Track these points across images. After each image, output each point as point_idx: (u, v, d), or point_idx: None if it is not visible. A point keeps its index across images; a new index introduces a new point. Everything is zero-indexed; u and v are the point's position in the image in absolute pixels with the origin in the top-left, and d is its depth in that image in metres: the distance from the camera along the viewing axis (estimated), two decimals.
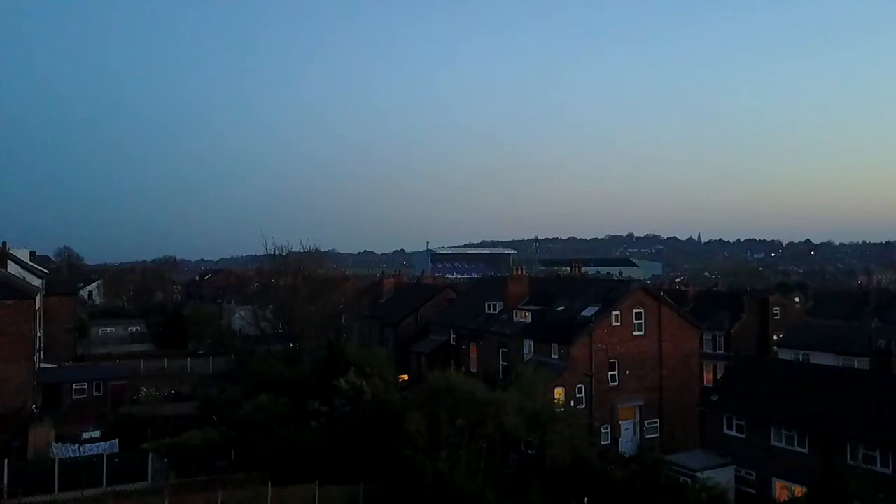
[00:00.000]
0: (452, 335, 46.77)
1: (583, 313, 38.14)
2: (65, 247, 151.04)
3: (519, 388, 30.22)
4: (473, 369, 44.35)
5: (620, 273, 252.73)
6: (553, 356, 37.22)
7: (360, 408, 30.01)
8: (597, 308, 37.82)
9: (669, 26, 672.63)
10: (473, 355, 44.61)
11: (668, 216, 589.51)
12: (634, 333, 38.18)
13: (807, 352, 54.41)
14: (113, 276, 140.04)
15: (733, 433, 31.50)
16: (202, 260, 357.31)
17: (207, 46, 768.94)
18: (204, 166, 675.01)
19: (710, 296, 72.34)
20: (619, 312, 37.64)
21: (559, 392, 35.52)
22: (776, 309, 65.56)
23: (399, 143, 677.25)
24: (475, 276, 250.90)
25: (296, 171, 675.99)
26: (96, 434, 33.54)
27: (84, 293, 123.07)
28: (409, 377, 51.06)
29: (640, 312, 38.42)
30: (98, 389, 42.41)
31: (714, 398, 33.33)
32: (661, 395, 38.62)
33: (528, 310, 41.22)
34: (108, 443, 31.89)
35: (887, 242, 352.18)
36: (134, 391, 44.48)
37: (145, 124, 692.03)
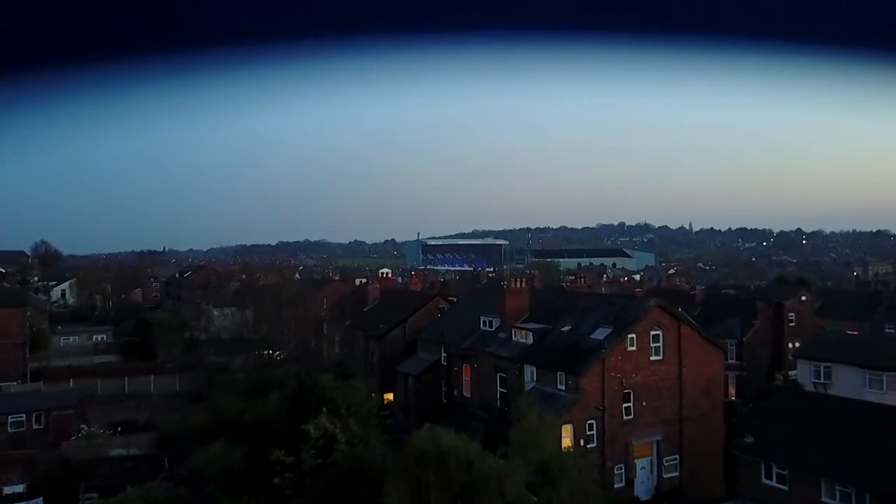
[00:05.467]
0: (443, 354, 41.76)
1: (592, 336, 33.22)
2: (42, 241, 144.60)
3: (521, 435, 25.47)
4: (467, 394, 39.49)
5: (614, 264, 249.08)
6: (559, 386, 32.30)
7: (332, 462, 25.01)
8: (609, 330, 32.90)
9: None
10: (467, 378, 39.66)
11: (658, 205, 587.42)
12: (651, 358, 33.32)
13: (828, 364, 49.91)
14: (89, 272, 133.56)
15: (773, 483, 26.86)
16: (191, 250, 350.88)
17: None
18: (193, 156, 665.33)
19: (719, 299, 67.63)
20: (634, 335, 32.76)
21: (567, 430, 30.69)
22: (791, 314, 61.03)
23: (389, 133, 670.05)
24: (467, 267, 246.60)
25: (286, 161, 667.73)
26: (20, 488, 28.30)
27: (56, 292, 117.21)
28: (394, 397, 46.22)
29: (658, 334, 33.56)
30: (39, 421, 37.18)
31: (748, 440, 28.61)
32: (682, 428, 33.86)
33: (528, 329, 36.24)
34: (33, 502, 26.72)
35: (878, 231, 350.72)
36: (83, 421, 39.26)
37: (138, 116, 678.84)
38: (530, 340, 35.67)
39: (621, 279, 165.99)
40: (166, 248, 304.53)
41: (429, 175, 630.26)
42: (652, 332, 33.34)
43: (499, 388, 36.48)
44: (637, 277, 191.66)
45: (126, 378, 49.91)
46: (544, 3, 9.01)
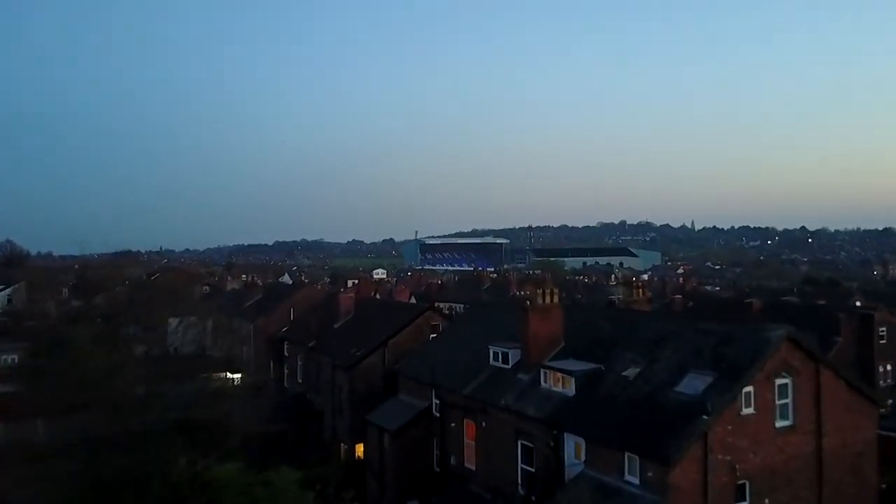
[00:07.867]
0: (435, 400, 28.51)
1: (679, 388, 19.97)
2: (7, 240, 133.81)
3: None
4: (470, 464, 26.23)
5: (621, 264, 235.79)
6: (628, 476, 19.04)
7: None
8: (708, 379, 19.65)
9: (654, 12, 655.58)
10: (470, 440, 26.37)
11: (660, 203, 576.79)
12: (777, 425, 20.15)
13: None
14: (46, 275, 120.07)
15: None
16: (187, 250, 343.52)
17: (201, 43, 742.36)
18: (195, 156, 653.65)
19: (781, 309, 54.38)
20: (752, 388, 19.56)
21: None
22: (882, 329, 47.85)
23: (388, 131, 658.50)
24: (466, 267, 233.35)
25: (285, 161, 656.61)
26: None
27: (2, 298, 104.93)
28: (366, 456, 33.01)
29: (786, 384, 20.37)
30: None
31: None
32: None
33: (568, 371, 22.97)
34: None
35: (885, 229, 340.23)
36: None
37: (142, 115, 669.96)
38: (571, 391, 22.39)
39: (633, 280, 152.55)
40: (163, 248, 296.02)
41: (428, 173, 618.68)
42: (778, 382, 20.16)
43: (520, 464, 23.23)
44: (645, 277, 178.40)
45: (3, 424, 36.30)
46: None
